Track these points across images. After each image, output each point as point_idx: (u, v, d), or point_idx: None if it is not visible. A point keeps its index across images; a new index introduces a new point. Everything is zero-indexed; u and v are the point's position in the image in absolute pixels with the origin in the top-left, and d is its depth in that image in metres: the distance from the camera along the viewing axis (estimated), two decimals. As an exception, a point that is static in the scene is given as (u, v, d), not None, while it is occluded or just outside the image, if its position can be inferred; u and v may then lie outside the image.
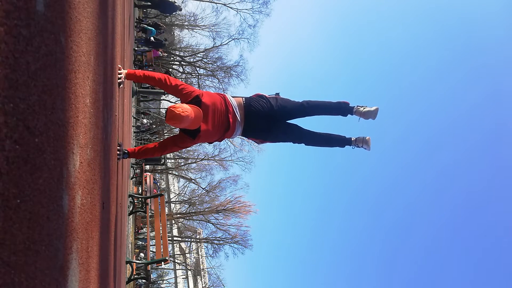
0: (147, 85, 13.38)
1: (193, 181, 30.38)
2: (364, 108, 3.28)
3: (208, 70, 28.09)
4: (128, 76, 3.16)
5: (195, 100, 2.93)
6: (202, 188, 29.76)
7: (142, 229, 15.61)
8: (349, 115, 3.36)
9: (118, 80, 3.10)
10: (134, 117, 13.11)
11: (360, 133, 3.42)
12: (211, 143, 3.48)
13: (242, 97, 3.24)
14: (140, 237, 18.52)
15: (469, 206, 59.32)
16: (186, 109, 2.75)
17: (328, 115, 3.40)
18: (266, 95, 3.27)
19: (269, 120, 3.20)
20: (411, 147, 71.59)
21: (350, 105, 3.34)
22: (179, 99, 3.08)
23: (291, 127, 3.33)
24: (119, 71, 3.12)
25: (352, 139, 3.42)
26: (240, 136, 3.43)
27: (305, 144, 3.42)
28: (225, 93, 3.33)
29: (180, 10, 15.62)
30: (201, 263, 31.37)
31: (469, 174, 60.75)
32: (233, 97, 3.21)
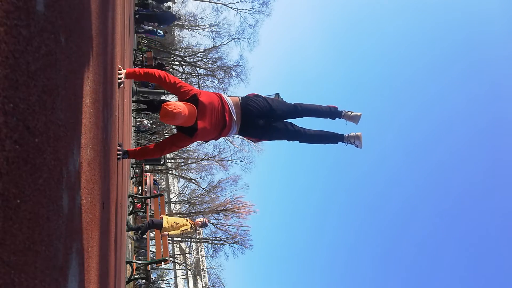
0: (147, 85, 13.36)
1: (193, 181, 30.38)
2: (351, 113, 3.53)
3: (208, 70, 28.08)
4: (128, 75, 3.17)
5: (192, 99, 2.97)
6: (202, 188, 29.75)
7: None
8: (337, 118, 3.60)
9: (118, 80, 3.11)
10: (134, 117, 13.12)
11: (351, 131, 3.64)
12: (207, 141, 3.53)
13: (239, 97, 3.30)
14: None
15: (464, 204, 59.43)
16: (178, 106, 2.79)
17: (318, 118, 3.60)
18: (263, 95, 3.35)
19: (264, 119, 3.28)
20: (406, 145, 71.63)
21: (338, 110, 3.57)
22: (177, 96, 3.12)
23: (286, 125, 3.42)
24: (119, 71, 3.13)
25: (345, 136, 3.55)
26: (236, 135, 3.51)
27: (300, 142, 3.52)
28: (221, 93, 3.38)
29: (179, 19, 15.65)
30: (201, 263, 31.36)
31: (463, 173, 60.83)
32: (229, 96, 3.28)
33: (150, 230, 7.55)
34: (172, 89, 3.09)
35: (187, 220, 7.05)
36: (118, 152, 3.02)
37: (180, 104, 2.84)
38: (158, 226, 6.70)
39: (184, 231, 6.72)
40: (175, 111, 2.76)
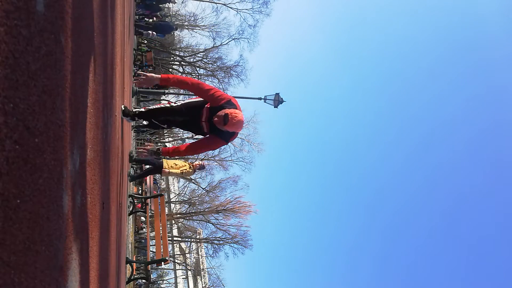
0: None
1: (193, 181, 30.35)
2: None
3: (208, 70, 28.06)
4: (162, 81, 3.21)
5: (229, 104, 3.05)
6: (202, 188, 29.72)
7: (142, 229, 15.61)
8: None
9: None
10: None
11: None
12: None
13: None
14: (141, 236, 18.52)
15: (461, 205, 59.40)
16: (242, 114, 2.94)
17: None
18: None
19: None
20: (405, 146, 71.62)
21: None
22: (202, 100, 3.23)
23: None
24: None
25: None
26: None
27: None
28: None
29: (176, 29, 15.79)
30: (201, 263, 31.32)
31: (461, 173, 60.83)
32: None
33: (150, 230, 7.60)
34: (206, 96, 3.15)
35: (186, 162, 7.46)
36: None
37: (239, 111, 2.94)
38: (158, 168, 7.01)
39: (184, 170, 7.08)
40: (243, 119, 2.91)
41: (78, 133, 1.35)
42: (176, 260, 30.41)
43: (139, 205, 9.91)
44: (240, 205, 28.55)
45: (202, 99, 3.33)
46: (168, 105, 3.52)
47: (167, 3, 16.65)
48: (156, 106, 3.64)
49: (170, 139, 26.44)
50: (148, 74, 3.20)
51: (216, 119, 2.96)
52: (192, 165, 7.31)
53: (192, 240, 31.67)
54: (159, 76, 3.21)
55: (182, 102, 3.50)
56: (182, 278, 32.26)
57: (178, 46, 29.25)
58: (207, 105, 3.16)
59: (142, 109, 3.61)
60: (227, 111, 2.90)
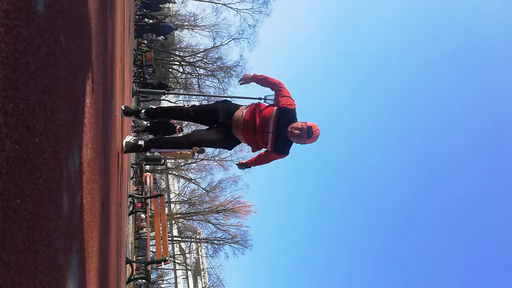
0: (147, 86, 13.40)
1: (193, 181, 30.37)
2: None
3: (208, 70, 28.06)
4: (252, 79, 3.39)
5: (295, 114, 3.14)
6: (202, 188, 29.75)
7: (142, 229, 15.61)
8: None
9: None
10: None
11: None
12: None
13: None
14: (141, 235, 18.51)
15: (460, 205, 59.44)
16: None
17: None
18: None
19: None
20: (404, 146, 71.70)
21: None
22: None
23: None
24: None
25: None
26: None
27: None
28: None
29: (176, 29, 15.84)
30: (201, 263, 31.34)
31: (460, 173, 60.87)
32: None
33: (150, 230, 7.59)
34: (279, 97, 3.19)
35: None
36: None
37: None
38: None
39: (183, 152, 7.19)
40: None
41: (78, 133, 1.35)
42: (176, 260, 30.41)
43: (139, 205, 9.91)
44: (240, 205, 28.58)
45: (232, 103, 3.41)
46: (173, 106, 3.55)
47: (167, 3, 16.69)
48: (164, 106, 3.68)
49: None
50: (245, 74, 3.49)
51: (297, 131, 2.97)
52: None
53: (192, 240, 31.68)
54: (252, 75, 3.44)
55: (194, 105, 3.47)
56: (182, 278, 32.27)
57: (178, 46, 29.25)
58: (271, 116, 3.10)
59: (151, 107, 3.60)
60: (308, 123, 2.98)
